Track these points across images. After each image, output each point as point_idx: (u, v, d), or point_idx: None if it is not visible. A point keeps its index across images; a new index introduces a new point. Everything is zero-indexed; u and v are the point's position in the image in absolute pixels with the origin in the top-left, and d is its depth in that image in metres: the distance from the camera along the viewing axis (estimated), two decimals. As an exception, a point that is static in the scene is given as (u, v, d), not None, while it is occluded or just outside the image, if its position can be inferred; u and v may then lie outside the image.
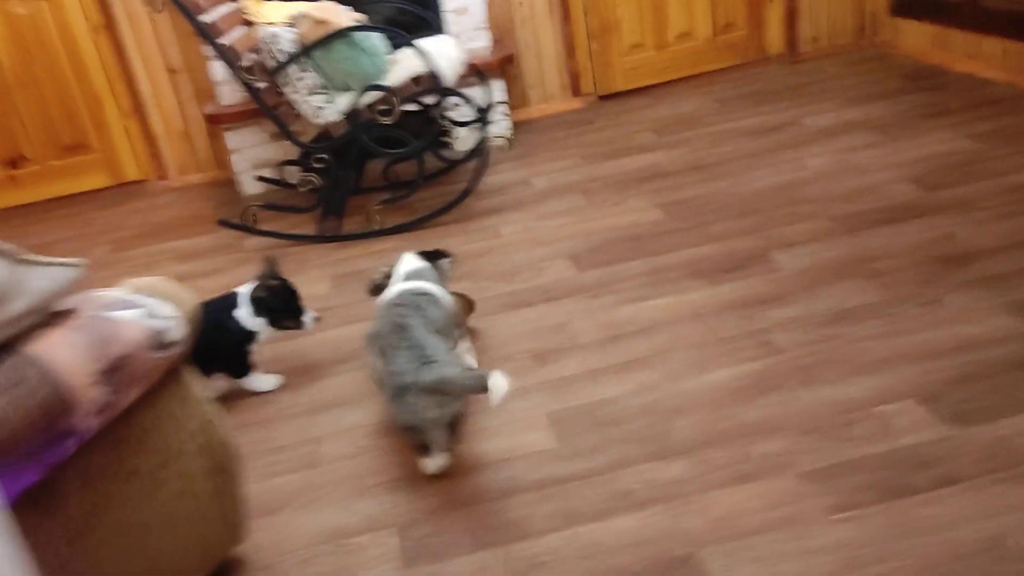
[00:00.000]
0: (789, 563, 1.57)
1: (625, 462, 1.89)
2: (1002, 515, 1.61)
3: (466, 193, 3.34)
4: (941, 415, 1.89)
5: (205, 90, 4.19)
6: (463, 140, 4.01)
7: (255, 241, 3.40)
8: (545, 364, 2.30)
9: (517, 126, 4.40)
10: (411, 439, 1.96)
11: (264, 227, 3.39)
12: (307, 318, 2.34)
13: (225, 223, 3.37)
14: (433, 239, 3.18)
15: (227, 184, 4.25)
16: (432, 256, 2.29)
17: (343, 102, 3.10)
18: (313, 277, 3.01)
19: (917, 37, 4.38)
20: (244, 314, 2.27)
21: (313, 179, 3.19)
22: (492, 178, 3.77)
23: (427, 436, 1.88)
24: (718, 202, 3.15)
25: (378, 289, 2.21)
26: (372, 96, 3.05)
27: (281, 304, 2.29)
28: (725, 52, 4.72)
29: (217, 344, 2.21)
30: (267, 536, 1.81)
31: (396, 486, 1.91)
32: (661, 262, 2.78)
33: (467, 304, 2.51)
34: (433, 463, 1.91)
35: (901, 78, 4.16)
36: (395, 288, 2.08)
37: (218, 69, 3.90)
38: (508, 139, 4.05)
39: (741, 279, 2.59)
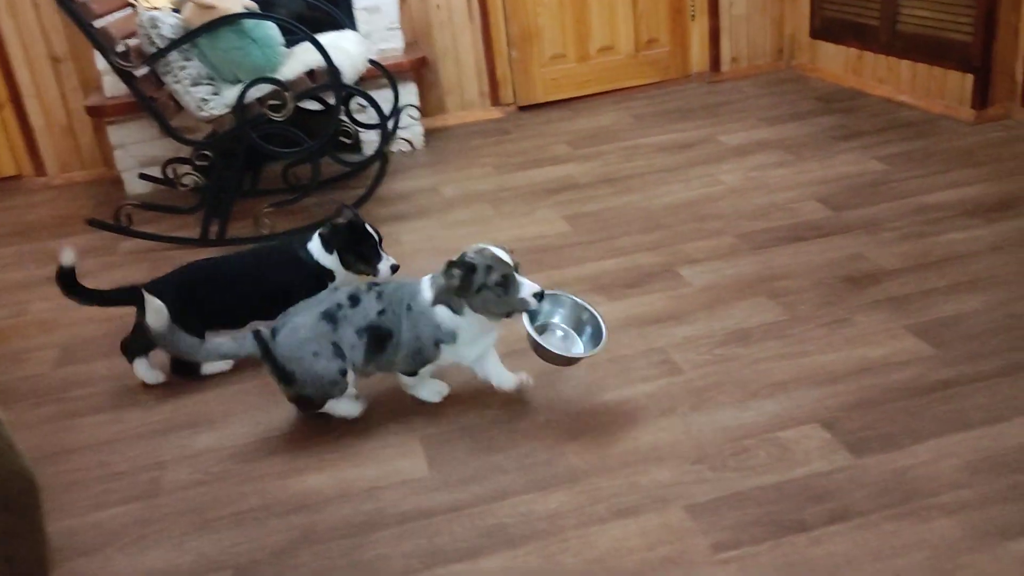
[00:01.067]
0: (666, 609, 1.42)
1: (502, 493, 1.72)
2: (894, 556, 1.48)
3: (363, 199, 3.15)
4: (838, 443, 1.77)
5: (92, 81, 3.90)
6: (369, 144, 3.81)
7: (131, 244, 3.14)
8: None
9: (432, 133, 4.23)
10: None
11: (142, 229, 3.13)
12: (383, 265, 2.21)
13: (95, 223, 3.10)
14: (325, 246, 2.97)
15: (114, 183, 3.96)
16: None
17: (230, 95, 2.88)
18: (189, 284, 2.77)
19: (834, 60, 4.37)
20: (316, 248, 2.19)
21: (197, 178, 2.95)
22: (400, 184, 3.59)
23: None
24: (626, 216, 3.03)
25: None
26: (262, 90, 2.84)
27: (350, 243, 2.18)
28: (647, 68, 4.64)
29: (292, 280, 2.13)
30: (83, 578, 1.58)
31: (241, 520, 1.70)
32: (562, 276, 2.63)
33: None
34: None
35: (816, 100, 4.13)
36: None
37: (101, 57, 3.63)
38: (413, 145, 3.87)
39: (642, 295, 2.46)
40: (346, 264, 2.22)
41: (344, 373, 1.86)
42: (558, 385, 2.06)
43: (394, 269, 2.23)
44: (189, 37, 2.79)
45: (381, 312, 1.86)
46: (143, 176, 3.42)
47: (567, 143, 3.92)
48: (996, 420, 1.80)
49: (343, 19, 3.53)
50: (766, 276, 2.49)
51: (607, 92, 4.60)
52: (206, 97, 2.88)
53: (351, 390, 1.91)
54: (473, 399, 2.03)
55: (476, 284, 1.79)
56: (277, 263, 2.21)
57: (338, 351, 1.84)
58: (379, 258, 2.22)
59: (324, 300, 1.89)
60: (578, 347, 1.97)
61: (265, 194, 3.44)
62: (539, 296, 1.82)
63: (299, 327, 1.84)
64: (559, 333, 2.00)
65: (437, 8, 4.19)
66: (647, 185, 3.29)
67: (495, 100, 4.43)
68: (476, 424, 1.94)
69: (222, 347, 1.87)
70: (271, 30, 2.94)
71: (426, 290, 1.86)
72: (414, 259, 2.83)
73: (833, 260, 2.55)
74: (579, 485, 1.72)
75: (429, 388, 2.00)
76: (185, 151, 3.49)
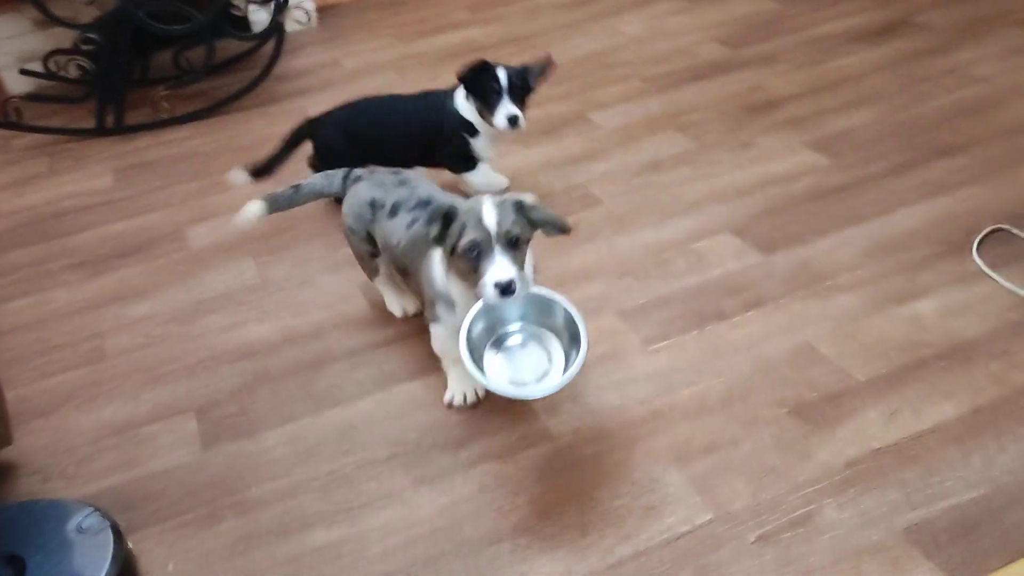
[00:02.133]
0: (608, 395, 1.55)
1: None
2: (804, 328, 1.64)
3: (264, 74, 3.08)
4: (748, 246, 1.91)
5: (-50, -24, 3.61)
6: (258, 24, 3.68)
7: (25, 140, 3.01)
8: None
9: (325, 10, 4.10)
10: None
11: (33, 123, 2.99)
12: (499, 113, 1.97)
13: (-16, 120, 2.95)
14: (231, 128, 2.91)
15: (-9, 86, 3.73)
16: None
17: (110, -28, 2.73)
18: (93, 172, 2.69)
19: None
20: (460, 97, 2.08)
21: (84, 63, 2.82)
22: (298, 61, 3.50)
23: None
24: (532, 71, 3.05)
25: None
26: (144, -36, 2.70)
27: (476, 85, 2.01)
28: (536, -71, 4.56)
29: (435, 127, 2.09)
30: (40, 439, 1.60)
31: (192, 370, 1.74)
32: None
33: None
34: None
35: (707, -51, 4.17)
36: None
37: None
38: (309, 17, 3.75)
39: (558, 140, 2.53)
40: (479, 112, 2.04)
41: (372, 256, 1.73)
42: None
43: (512, 121, 1.98)
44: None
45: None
46: (24, 72, 3.23)
47: (466, 8, 3.87)
48: (884, 212, 1.97)
49: None
50: (673, 112, 2.59)
51: (500, -41, 4.51)
52: (84, -25, 2.73)
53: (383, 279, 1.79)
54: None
55: (449, 242, 1.36)
56: (425, 107, 2.14)
57: (370, 237, 1.69)
58: (498, 105, 1.98)
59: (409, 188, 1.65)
60: (536, 367, 1.37)
61: (158, 82, 3.31)
62: (504, 289, 1.31)
63: (359, 193, 1.69)
64: (516, 343, 1.41)
65: None
66: (551, 42, 3.31)
67: (387, -27, 4.30)
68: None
69: (315, 185, 1.76)
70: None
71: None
72: (326, 128, 2.80)
73: (734, 93, 2.66)
74: (515, 306, 1.81)
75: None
76: (66, 41, 3.31)
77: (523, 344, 1.40)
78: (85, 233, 2.33)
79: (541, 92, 2.87)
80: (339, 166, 1.81)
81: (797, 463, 1.36)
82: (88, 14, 2.98)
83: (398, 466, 1.45)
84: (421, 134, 2.13)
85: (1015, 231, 1.83)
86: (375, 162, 1.97)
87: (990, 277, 1.71)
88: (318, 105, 3.03)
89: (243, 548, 1.34)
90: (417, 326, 1.78)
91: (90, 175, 2.67)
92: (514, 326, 1.41)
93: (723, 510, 1.30)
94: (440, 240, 1.37)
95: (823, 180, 2.13)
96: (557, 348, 1.38)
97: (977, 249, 1.79)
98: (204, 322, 1.88)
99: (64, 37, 3.37)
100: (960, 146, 2.19)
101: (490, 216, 1.32)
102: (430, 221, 1.37)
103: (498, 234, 1.32)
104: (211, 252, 2.16)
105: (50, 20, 2.75)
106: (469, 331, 1.34)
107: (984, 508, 1.25)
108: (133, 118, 3.00)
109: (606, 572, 1.23)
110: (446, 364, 1.58)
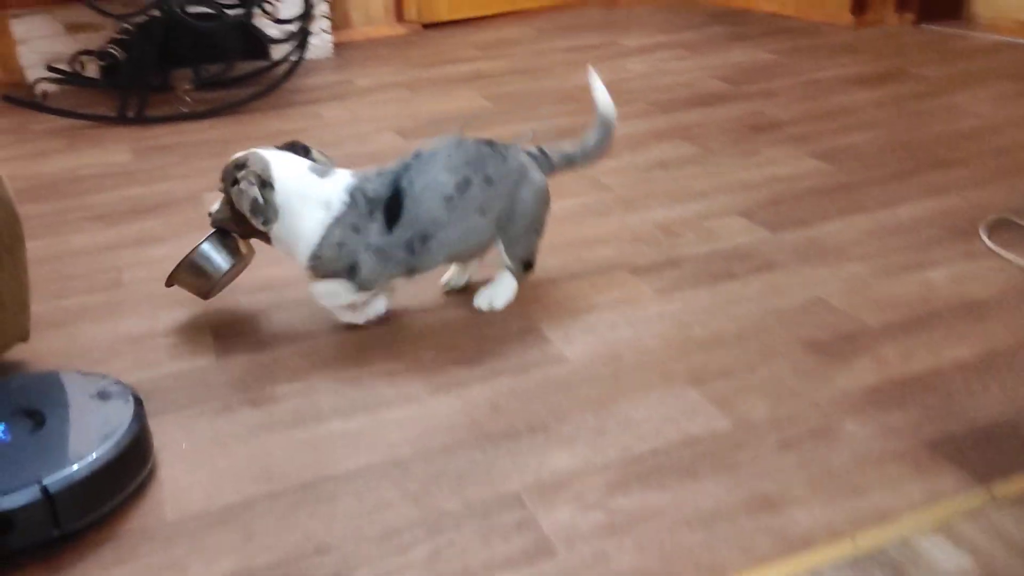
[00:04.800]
0: (622, 330, 1.57)
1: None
2: (816, 286, 1.68)
3: (283, 79, 3.17)
4: (756, 225, 1.97)
5: (-15, -21, 3.73)
6: (280, 42, 3.81)
7: (45, 124, 3.06)
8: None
9: (338, 47, 4.25)
10: (535, 249, 1.65)
11: (57, 106, 3.05)
12: None
13: (11, 99, 3.01)
14: (248, 124, 2.98)
15: (12, 87, 3.80)
16: (295, 150, 1.60)
17: (147, -33, 2.85)
18: (111, 150, 2.74)
19: (722, -19, 4.65)
20: None
21: (115, 52, 2.90)
22: (310, 80, 3.62)
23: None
24: (542, 94, 3.17)
25: (265, 208, 1.46)
26: (180, -38, 2.83)
27: None
28: (546, -10, 4.80)
29: None
30: (54, 343, 1.59)
31: (210, 300, 1.74)
32: (489, 134, 2.75)
33: None
34: (513, 287, 1.68)
35: (707, 16, 4.40)
36: (330, 180, 1.50)
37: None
38: (328, 26, 3.84)
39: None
40: None
41: None
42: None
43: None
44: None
45: None
46: (51, 68, 3.31)
47: (475, 48, 4.04)
48: (889, 205, 2.05)
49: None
50: (679, 127, 2.69)
51: (508, 13, 4.73)
52: (122, -32, 2.84)
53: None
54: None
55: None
56: None
57: None
58: None
59: None
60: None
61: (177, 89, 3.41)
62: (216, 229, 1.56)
63: None
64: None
65: (343, -80, 4.22)
66: (559, 74, 3.45)
67: (399, 16, 4.49)
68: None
69: None
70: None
71: None
72: (339, 127, 2.89)
73: (737, 116, 2.78)
74: (530, 262, 1.85)
75: None
76: (93, 44, 3.41)
77: None
78: (103, 194, 2.36)
79: (547, 108, 2.98)
80: None
81: (815, 387, 1.38)
82: (127, 7, 3.08)
83: (415, 374, 1.46)
84: None
85: (1022, 222, 1.90)
86: None
87: (999, 255, 1.77)
88: (332, 111, 3.13)
89: (259, 432, 1.33)
90: (435, 273, 1.80)
91: (109, 152, 2.72)
92: None
93: (742, 420, 1.31)
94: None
95: (827, 180, 2.21)
96: None
97: (984, 233, 1.86)
98: (221, 262, 1.89)
99: (91, 40, 3.48)
100: (959, 160, 2.29)
101: (270, 160, 1.52)
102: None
103: (239, 176, 1.50)
104: (228, 213, 2.18)
105: (93, 10, 2.85)
106: None
107: (1007, 425, 1.27)
108: (153, 113, 3.07)
109: (624, 466, 1.23)
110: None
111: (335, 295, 1.54)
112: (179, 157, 2.63)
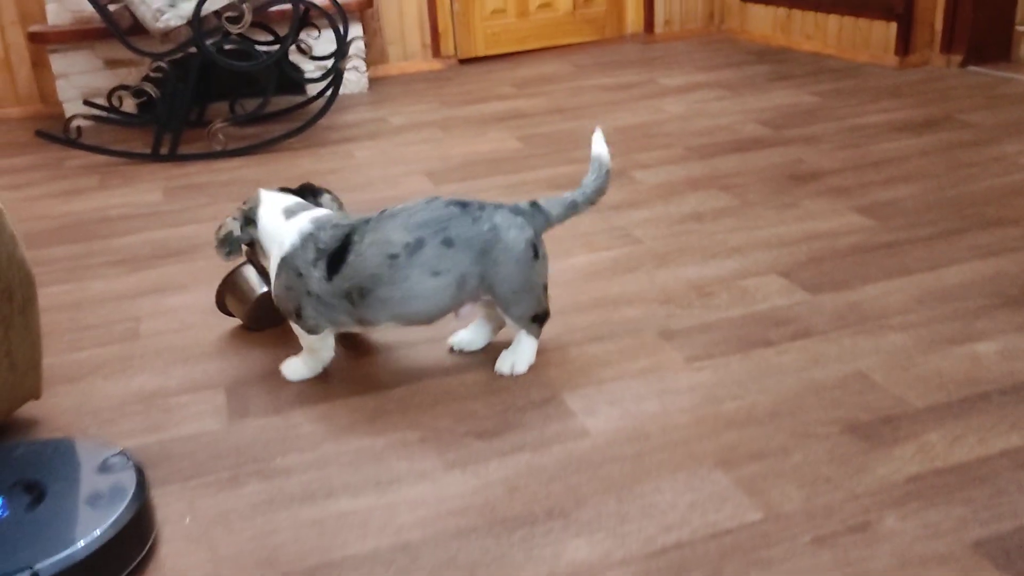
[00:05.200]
0: (648, 402, 1.50)
1: (480, 331, 1.77)
2: (856, 360, 1.60)
3: (317, 117, 3.17)
4: (795, 286, 1.88)
5: (32, 14, 3.80)
6: (313, 90, 3.82)
7: (79, 160, 3.08)
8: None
9: (374, 82, 4.26)
10: (540, 307, 1.59)
11: (90, 143, 3.07)
12: None
13: (44, 134, 3.03)
14: (280, 163, 2.97)
15: (52, 119, 3.86)
16: (304, 192, 1.66)
17: (187, 7, 2.87)
18: (142, 189, 2.74)
19: (763, 21, 4.58)
20: None
21: (149, 90, 2.92)
22: (345, 116, 3.61)
23: (546, 297, 1.61)
24: (577, 136, 3.13)
25: (236, 242, 1.57)
26: (219, 2, 2.84)
27: None
28: (584, 26, 4.77)
29: None
30: (65, 400, 1.56)
31: (225, 352, 1.71)
32: (519, 179, 2.71)
33: None
34: (532, 349, 1.62)
35: (747, 54, 4.33)
36: (309, 221, 1.53)
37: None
38: (363, 65, 3.84)
39: (600, 191, 2.55)
40: None
41: None
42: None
43: None
44: (144, -58, 2.77)
45: None
46: (87, 103, 3.35)
47: (511, 86, 4.01)
48: (935, 267, 1.95)
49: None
50: (715, 175, 2.62)
51: (546, 49, 4.71)
52: (162, 8, 2.86)
53: None
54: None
55: None
56: None
57: None
58: None
59: None
60: None
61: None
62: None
63: None
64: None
65: (382, -44, 4.23)
66: (595, 114, 3.40)
67: (436, 52, 4.49)
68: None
69: None
70: (226, -57, 2.93)
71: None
72: (370, 168, 2.86)
73: (776, 164, 2.70)
74: (554, 320, 1.79)
75: None
76: (132, 80, 3.44)
77: None
78: (128, 237, 2.35)
79: (583, 151, 2.93)
80: None
81: (853, 475, 1.30)
82: (162, 46, 3.10)
83: (430, 448, 1.40)
84: None
85: (1069, 289, 1.79)
86: None
87: (1046, 327, 1.67)
88: (365, 150, 3.11)
89: (265, 509, 1.27)
90: (458, 328, 1.75)
91: (140, 191, 2.72)
92: None
93: (774, 511, 1.23)
94: None
95: (869, 238, 2.12)
96: None
97: (1031, 302, 1.76)
98: (240, 314, 1.86)
99: (130, 75, 3.51)
100: (1011, 219, 2.19)
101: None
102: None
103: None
104: (252, 259, 2.16)
105: (128, 49, 2.86)
106: None
107: (1053, 528, 1.17)
108: (186, 150, 3.08)
109: (647, 559, 1.16)
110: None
111: (299, 334, 1.57)
112: (208, 197, 2.62)
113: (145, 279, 2.08)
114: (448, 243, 1.48)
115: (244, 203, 1.60)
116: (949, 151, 2.71)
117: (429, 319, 1.55)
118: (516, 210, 1.56)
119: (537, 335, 1.62)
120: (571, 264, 2.06)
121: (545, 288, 1.60)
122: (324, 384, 1.59)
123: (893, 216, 2.24)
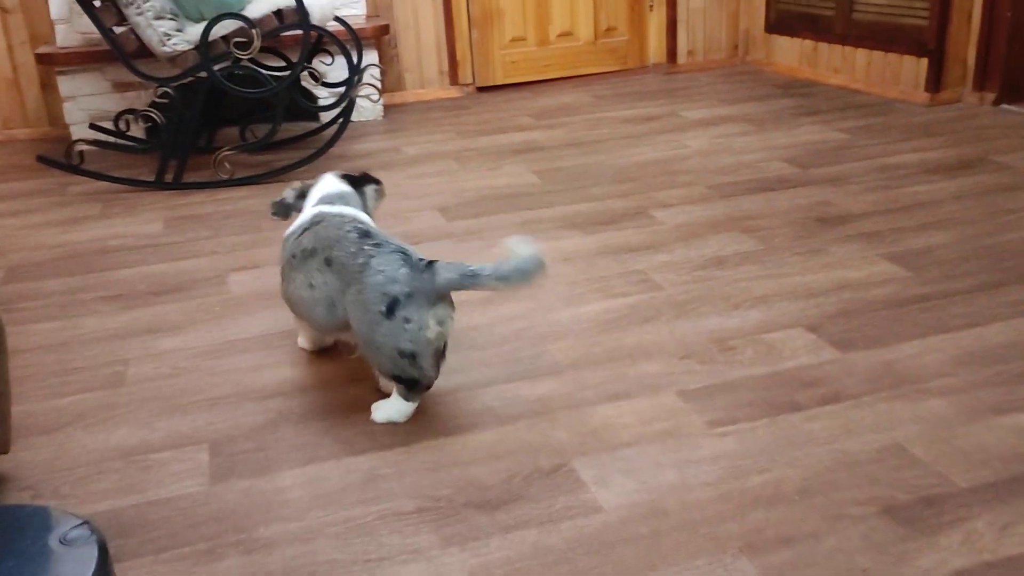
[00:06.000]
0: (667, 473, 1.37)
1: (486, 382, 1.66)
2: (892, 429, 1.47)
3: (327, 146, 3.08)
4: (824, 342, 1.76)
5: (42, 35, 3.76)
6: (327, 105, 3.74)
7: (82, 186, 3.00)
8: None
9: (390, 109, 4.18)
10: (401, 372, 1.46)
11: (94, 168, 3.00)
12: None
13: (45, 160, 2.96)
14: (288, 191, 2.88)
15: (59, 141, 3.80)
16: (357, 181, 1.77)
17: (194, 31, 2.80)
18: (144, 219, 2.65)
19: (788, 53, 4.48)
20: None
21: (154, 116, 2.84)
22: (359, 146, 3.53)
23: (415, 367, 1.44)
24: (596, 171, 3.02)
25: (285, 209, 1.75)
26: (228, 27, 2.76)
27: None
28: (605, 56, 4.68)
29: None
30: (39, 454, 1.46)
31: (215, 404, 1.60)
32: (534, 215, 2.60)
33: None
34: (397, 408, 1.51)
35: (772, 87, 4.22)
36: (312, 211, 1.65)
37: (57, 5, 3.50)
38: (377, 89, 3.75)
39: (616, 231, 2.44)
40: None
41: None
42: (538, 295, 2.02)
43: None
44: (154, -33, 2.71)
45: None
46: (93, 127, 3.28)
47: (529, 116, 3.92)
48: (975, 325, 1.82)
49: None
50: (738, 216, 2.50)
51: (566, 78, 4.62)
52: (169, 32, 2.79)
53: None
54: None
55: None
56: None
57: None
58: None
59: None
60: None
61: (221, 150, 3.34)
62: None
63: None
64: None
65: (400, -18, 4.18)
66: (614, 148, 3.30)
67: (454, 80, 4.41)
68: (454, 328, 1.88)
69: None
70: (239, -32, 2.87)
71: None
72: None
73: (803, 205, 2.58)
74: (565, 375, 1.67)
75: None
76: (139, 103, 3.38)
77: None
78: (125, 270, 2.26)
79: (602, 188, 2.82)
80: None
81: (892, 566, 1.17)
82: (169, 71, 3.03)
83: (426, 521, 1.28)
84: None
85: (1123, 353, 1.66)
86: None
87: (1100, 396, 1.54)
88: (377, 182, 3.02)
89: (241, 590, 1.16)
90: (465, 382, 1.64)
91: (141, 221, 2.63)
92: None
93: (803, 609, 1.10)
94: None
95: (903, 290, 1.99)
96: None
97: (1082, 367, 1.62)
98: (235, 360, 1.76)
99: (138, 99, 3.45)
100: (1052, 271, 2.06)
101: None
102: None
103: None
104: (251, 298, 2.06)
105: (134, 75, 2.80)
106: None
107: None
108: (192, 177, 3.00)
109: (663, 664, 1.03)
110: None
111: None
112: (210, 230, 2.53)
113: (138, 318, 1.98)
114: (328, 262, 1.49)
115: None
116: (985, 195, 2.58)
117: (319, 328, 1.59)
118: (407, 261, 1.43)
119: (407, 398, 1.49)
120: (585, 312, 1.95)
121: (413, 356, 1.42)
122: (316, 445, 1.48)
123: (928, 266, 2.11)
